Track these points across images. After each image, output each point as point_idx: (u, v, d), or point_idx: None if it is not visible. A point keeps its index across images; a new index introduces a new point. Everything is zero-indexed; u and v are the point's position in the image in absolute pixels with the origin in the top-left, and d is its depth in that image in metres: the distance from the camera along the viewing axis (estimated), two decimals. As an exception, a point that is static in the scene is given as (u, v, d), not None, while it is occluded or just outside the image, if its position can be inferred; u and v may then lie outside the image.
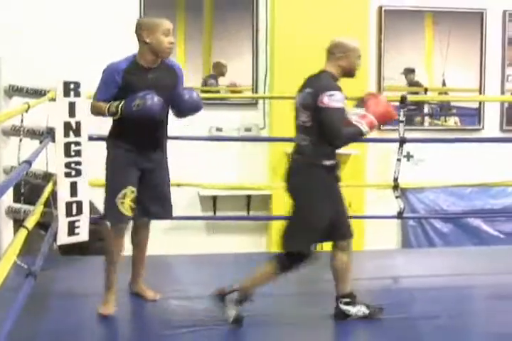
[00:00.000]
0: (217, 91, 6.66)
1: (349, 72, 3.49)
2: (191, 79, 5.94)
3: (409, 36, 6.99)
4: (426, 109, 7.22)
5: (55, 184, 4.12)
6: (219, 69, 6.64)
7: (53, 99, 4.13)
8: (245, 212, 6.52)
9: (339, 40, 3.48)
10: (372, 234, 6.31)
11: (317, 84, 3.40)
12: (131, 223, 3.78)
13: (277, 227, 6.18)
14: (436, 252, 6.03)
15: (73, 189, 4.03)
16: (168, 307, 3.81)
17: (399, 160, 5.03)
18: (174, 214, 3.84)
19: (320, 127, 3.36)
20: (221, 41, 6.61)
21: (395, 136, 5.08)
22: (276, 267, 3.44)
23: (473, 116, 7.02)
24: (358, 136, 3.43)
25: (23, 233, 3.24)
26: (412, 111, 6.78)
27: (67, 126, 4.03)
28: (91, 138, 4.22)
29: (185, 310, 3.76)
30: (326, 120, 3.33)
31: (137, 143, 3.55)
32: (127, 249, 3.80)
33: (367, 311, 3.59)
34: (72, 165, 4.02)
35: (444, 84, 7.04)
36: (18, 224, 3.70)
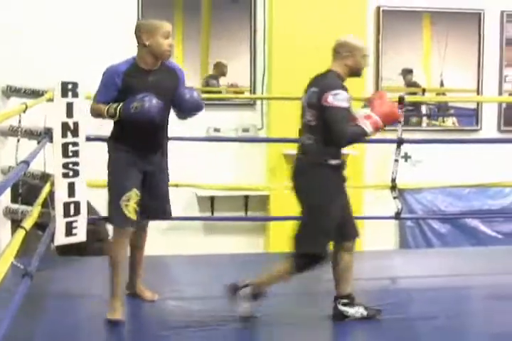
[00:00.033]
0: (219, 92, 6.66)
1: (355, 72, 3.48)
2: (189, 80, 5.92)
3: (407, 37, 7.00)
4: (424, 110, 7.23)
5: (52, 184, 4.11)
6: (220, 70, 6.63)
7: (51, 100, 4.13)
8: (243, 213, 6.51)
9: (345, 39, 3.48)
10: (370, 235, 6.30)
11: (322, 83, 3.40)
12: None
13: (275, 228, 6.27)
14: (434, 253, 6.04)
15: (71, 189, 4.03)
16: (166, 307, 3.81)
17: (397, 160, 5.03)
18: (172, 215, 3.83)
19: (324, 126, 3.35)
20: (219, 41, 6.61)
21: (392, 136, 5.08)
22: (292, 267, 3.44)
23: (471, 116, 7.02)
24: (361, 136, 3.42)
25: (20, 233, 3.24)
26: (410, 111, 6.79)
27: (64, 127, 4.03)
28: (89, 139, 4.22)
29: (183, 311, 3.76)
30: (330, 119, 3.32)
31: (138, 146, 3.52)
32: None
33: (365, 312, 3.58)
34: (70, 166, 4.02)
35: (442, 84, 7.04)
36: (16, 224, 3.70)
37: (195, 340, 3.38)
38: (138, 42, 3.52)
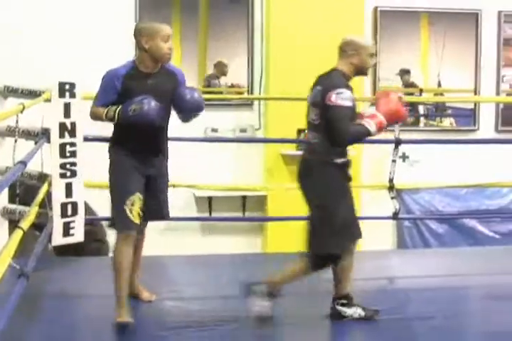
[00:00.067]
0: (220, 92, 6.66)
1: (361, 70, 3.47)
2: (187, 80, 5.92)
3: (405, 37, 7.00)
4: (421, 110, 7.23)
5: (50, 185, 4.11)
6: (220, 69, 6.62)
7: (48, 100, 4.13)
8: (241, 213, 6.51)
9: (351, 37, 3.48)
10: (367, 235, 6.28)
11: (326, 81, 3.39)
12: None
13: (273, 228, 6.27)
14: (431, 253, 6.04)
15: (68, 190, 4.03)
16: (164, 308, 3.81)
17: (394, 161, 5.03)
18: (170, 215, 3.83)
19: (328, 125, 3.33)
20: (217, 42, 6.61)
21: (390, 136, 5.08)
22: (308, 267, 3.43)
23: (469, 116, 7.03)
24: (365, 136, 3.39)
25: (18, 234, 3.24)
26: (407, 111, 6.78)
27: (62, 127, 4.03)
28: (86, 139, 4.22)
29: (181, 311, 3.76)
30: (333, 118, 3.30)
31: (138, 149, 3.50)
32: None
33: (363, 313, 3.58)
34: (68, 166, 4.03)
35: (439, 84, 7.04)
36: (14, 224, 3.70)
37: (194, 340, 3.38)
38: (138, 46, 3.50)
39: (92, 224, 5.38)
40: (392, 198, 5.07)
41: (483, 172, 6.29)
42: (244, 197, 6.46)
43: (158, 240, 5.55)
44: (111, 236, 5.20)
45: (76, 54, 5.98)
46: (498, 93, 7.00)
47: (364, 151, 6.42)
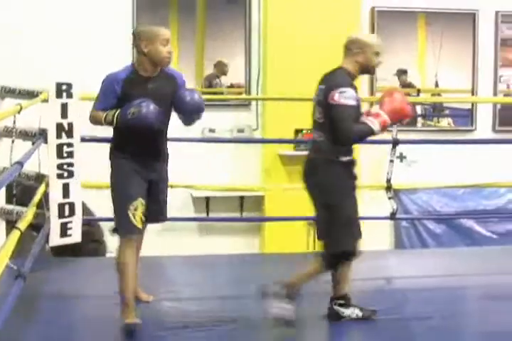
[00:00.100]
0: (221, 93, 6.65)
1: (366, 69, 3.45)
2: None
3: (402, 37, 7.00)
4: (419, 110, 7.23)
5: (47, 185, 4.11)
6: (220, 68, 6.62)
7: (46, 101, 4.12)
8: (238, 213, 6.51)
9: (356, 36, 3.47)
10: (365, 235, 6.30)
11: (330, 80, 3.38)
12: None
13: (270, 228, 6.26)
14: (429, 253, 6.05)
15: (65, 190, 4.03)
16: (161, 308, 3.80)
17: (392, 161, 5.03)
18: (168, 216, 3.83)
19: (331, 124, 3.33)
20: (214, 42, 6.61)
21: (388, 137, 5.08)
22: (323, 265, 3.43)
23: (466, 117, 7.03)
24: (368, 135, 3.38)
25: (15, 234, 3.24)
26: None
27: (59, 128, 4.03)
28: (83, 140, 4.21)
29: (178, 311, 3.75)
30: (336, 117, 3.30)
31: (138, 153, 3.48)
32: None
33: (360, 313, 3.58)
34: (65, 167, 4.02)
35: (436, 85, 7.05)
36: (11, 225, 3.69)
37: (192, 341, 3.39)
38: (137, 50, 3.49)
39: (90, 224, 5.38)
40: (389, 198, 5.07)
41: (480, 173, 6.29)
42: (241, 198, 6.46)
43: (156, 240, 5.53)
44: (108, 236, 5.21)
45: (75, 54, 5.98)
46: (495, 93, 7.01)
47: (362, 152, 6.42)
